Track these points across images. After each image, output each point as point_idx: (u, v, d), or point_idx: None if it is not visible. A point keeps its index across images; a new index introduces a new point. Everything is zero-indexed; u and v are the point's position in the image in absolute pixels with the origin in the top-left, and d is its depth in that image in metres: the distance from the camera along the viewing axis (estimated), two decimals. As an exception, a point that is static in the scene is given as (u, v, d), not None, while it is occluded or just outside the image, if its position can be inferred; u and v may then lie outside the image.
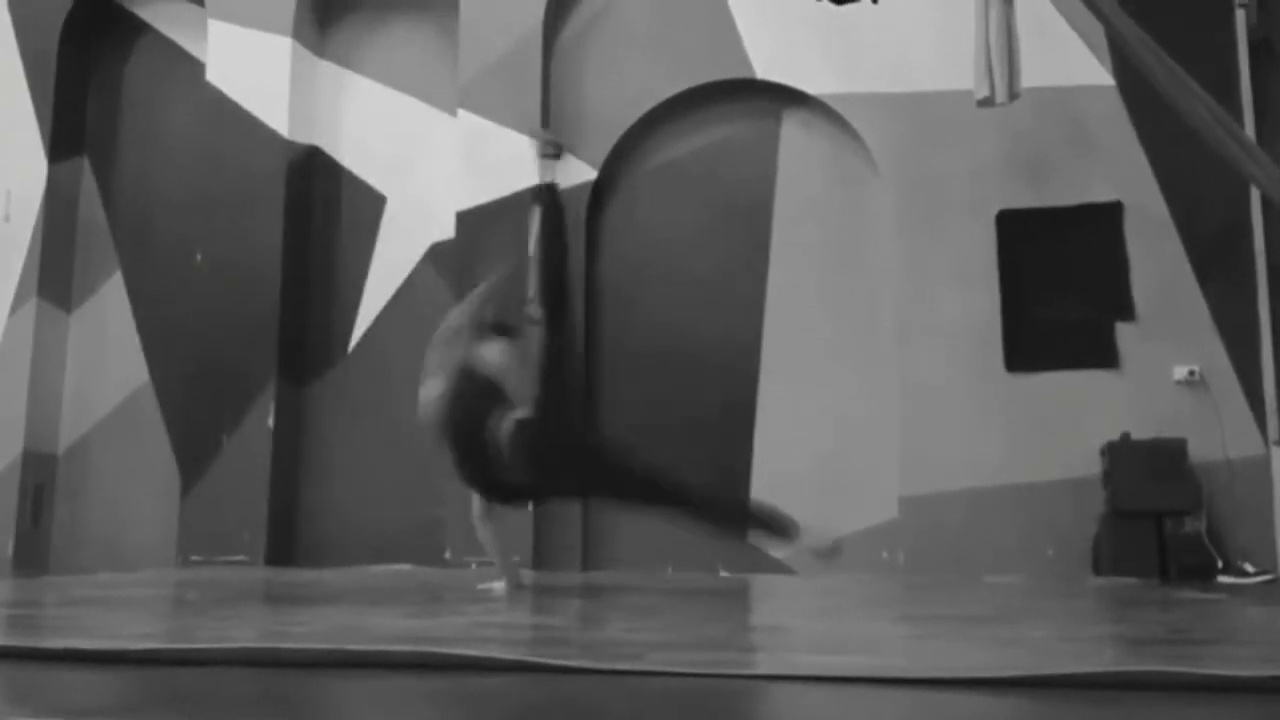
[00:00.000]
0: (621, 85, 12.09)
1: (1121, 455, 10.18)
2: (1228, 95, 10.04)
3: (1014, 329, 10.94)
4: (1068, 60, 11.04)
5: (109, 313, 13.19)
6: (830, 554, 8.06)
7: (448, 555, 11.32)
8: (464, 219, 11.98)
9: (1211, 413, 10.43)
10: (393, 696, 3.12)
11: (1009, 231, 11.05)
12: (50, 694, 3.14)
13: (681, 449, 11.35)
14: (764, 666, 3.65)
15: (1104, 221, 10.90)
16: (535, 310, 8.67)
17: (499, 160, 11.94)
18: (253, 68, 12.64)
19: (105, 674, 3.39)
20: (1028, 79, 10.08)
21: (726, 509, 8.71)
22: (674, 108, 12.02)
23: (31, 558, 12.56)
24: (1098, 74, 11.06)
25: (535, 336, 8.23)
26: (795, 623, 5.58)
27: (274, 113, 12.54)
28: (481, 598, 7.10)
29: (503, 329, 7.97)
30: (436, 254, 12.40)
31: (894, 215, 11.32)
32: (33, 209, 13.07)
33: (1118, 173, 10.91)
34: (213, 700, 3.09)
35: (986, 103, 10.07)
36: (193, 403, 12.32)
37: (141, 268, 13.20)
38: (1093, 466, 10.43)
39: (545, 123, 12.03)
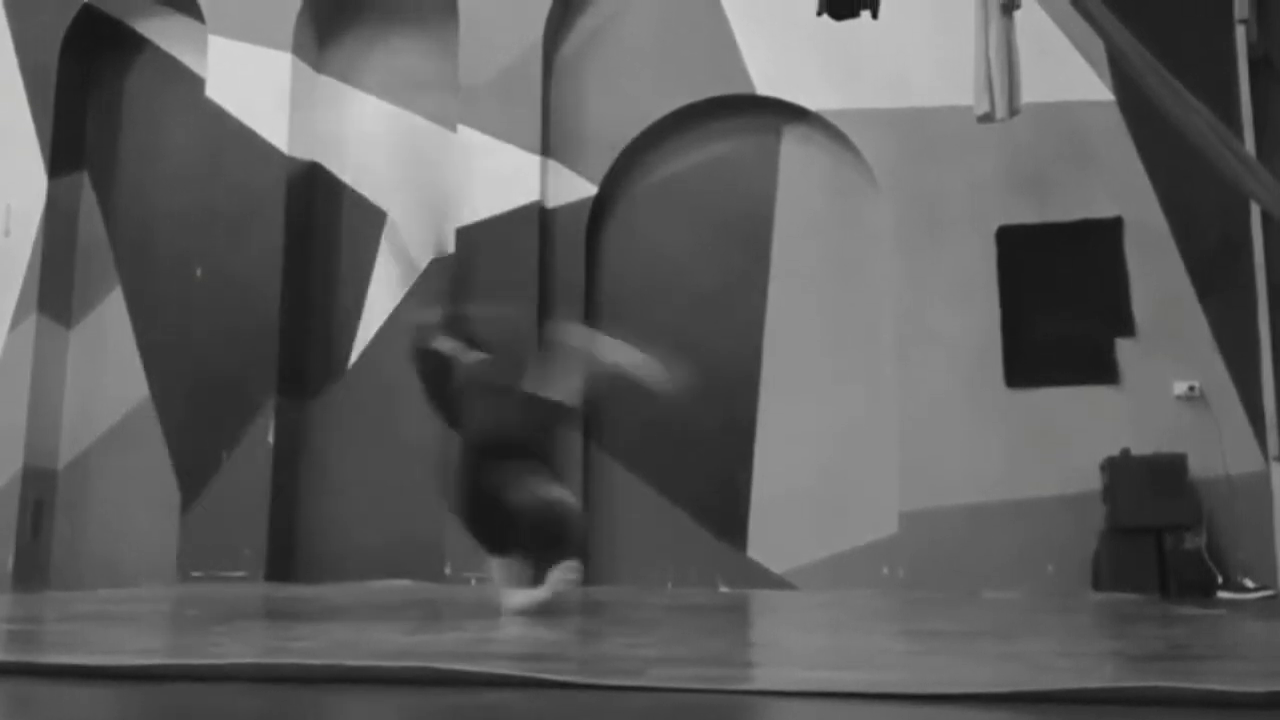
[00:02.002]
0: (622, 101, 12.11)
1: (1121, 471, 10.18)
2: (1227, 111, 10.05)
3: (1014, 344, 10.94)
4: (1068, 76, 11.05)
5: (109, 328, 13.19)
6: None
7: (448, 571, 11.32)
8: (464, 235, 11.98)
9: (1211, 428, 10.43)
10: (393, 712, 3.12)
11: (1009, 247, 11.06)
12: (51, 709, 3.15)
13: (682, 464, 11.37)
14: (764, 682, 3.65)
15: (1104, 237, 10.91)
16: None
17: (499, 176, 11.94)
18: (253, 83, 12.65)
19: (106, 689, 3.39)
20: (1028, 94, 10.09)
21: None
22: (674, 123, 12.03)
23: (31, 573, 12.55)
24: (1098, 89, 11.08)
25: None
26: (795, 638, 5.58)
27: (274, 128, 12.54)
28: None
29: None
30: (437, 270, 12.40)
31: (894, 230, 11.33)
32: (33, 224, 13.08)
33: (1118, 188, 10.92)
34: (213, 716, 3.09)
35: (986, 118, 10.08)
36: (193, 418, 12.32)
37: (142, 283, 13.20)
38: (1093, 482, 10.43)
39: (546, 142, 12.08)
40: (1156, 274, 10.78)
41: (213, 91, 12.76)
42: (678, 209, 12.03)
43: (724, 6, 11.99)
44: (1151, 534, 10.03)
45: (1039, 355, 10.92)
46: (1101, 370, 10.77)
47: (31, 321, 12.87)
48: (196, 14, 13.07)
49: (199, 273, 12.48)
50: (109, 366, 13.11)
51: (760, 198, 11.86)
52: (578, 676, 3.42)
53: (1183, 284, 10.72)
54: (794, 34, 11.42)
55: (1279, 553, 10.13)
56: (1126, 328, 10.79)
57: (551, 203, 12.03)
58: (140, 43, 13.70)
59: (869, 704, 3.16)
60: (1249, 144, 10.28)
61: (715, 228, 11.89)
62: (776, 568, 11.25)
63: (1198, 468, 10.19)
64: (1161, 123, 9.29)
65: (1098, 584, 10.24)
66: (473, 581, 10.62)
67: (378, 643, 4.67)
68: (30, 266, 13.01)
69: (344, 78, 13.09)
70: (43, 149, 13.21)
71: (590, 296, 11.93)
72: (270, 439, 11.99)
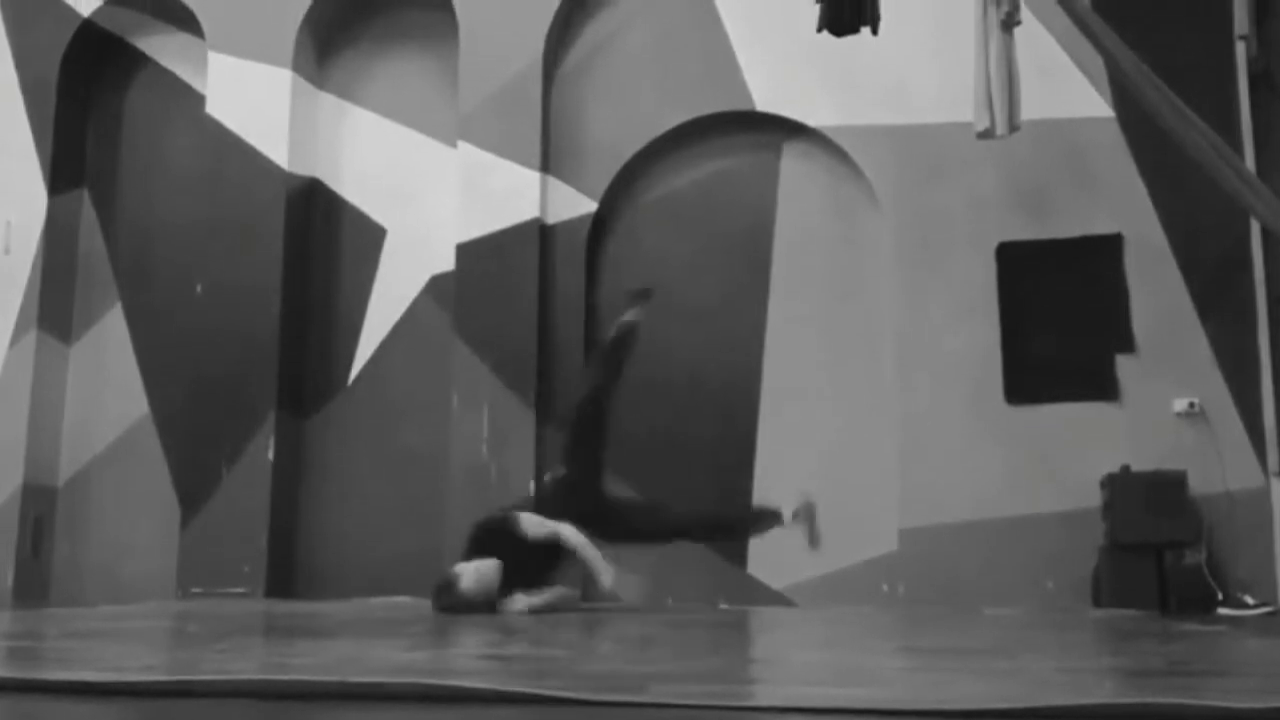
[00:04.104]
0: (621, 117, 12.12)
1: (1121, 487, 10.17)
2: (1227, 127, 10.07)
3: (1014, 361, 10.94)
4: (1068, 92, 11.06)
5: (109, 344, 13.20)
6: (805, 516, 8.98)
7: (448, 587, 11.31)
8: (464, 251, 11.99)
9: (1211, 445, 10.42)
10: (394, 728, 3.12)
11: (1009, 263, 11.06)
12: (51, 726, 3.15)
13: (682, 479, 11.35)
14: (765, 698, 3.65)
15: (1104, 253, 10.91)
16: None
17: (499, 192, 11.96)
18: (253, 100, 12.67)
19: (107, 705, 3.39)
20: (1027, 111, 10.10)
21: (724, 525, 10.62)
22: (674, 139, 12.04)
23: (32, 589, 12.55)
24: (1098, 106, 11.08)
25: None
26: (795, 654, 5.58)
27: (274, 145, 12.56)
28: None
29: None
30: (437, 286, 12.41)
31: (894, 247, 11.34)
32: (33, 241, 13.09)
33: (1118, 205, 10.92)
34: (213, 732, 3.09)
35: (986, 135, 10.09)
36: (193, 434, 12.34)
37: (141, 300, 13.21)
38: (1092, 498, 10.42)
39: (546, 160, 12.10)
40: (1156, 290, 10.78)
41: (213, 108, 12.79)
42: (678, 225, 12.04)
43: (724, 23, 12.01)
44: (1151, 550, 10.02)
45: (1039, 372, 10.92)
46: (1101, 387, 10.77)
47: (31, 338, 12.88)
48: (197, 30, 13.09)
49: (199, 289, 12.49)
50: (109, 383, 13.13)
51: (760, 214, 11.87)
52: (578, 693, 3.42)
53: (1183, 300, 10.72)
54: (794, 50, 11.43)
55: (1279, 569, 10.13)
56: (1126, 344, 10.79)
57: (551, 219, 12.05)
58: (140, 59, 13.72)
59: (869, 720, 3.16)
60: (1249, 160, 10.29)
61: (715, 244, 11.90)
62: (776, 584, 11.24)
63: (1198, 484, 10.18)
64: (1161, 139, 9.31)
65: (1097, 600, 10.24)
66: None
67: (378, 659, 4.67)
68: (30, 283, 13.02)
69: (344, 94, 13.11)
70: (43, 165, 13.23)
71: (590, 313, 11.94)
72: (270, 455, 12.00)
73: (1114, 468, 10.31)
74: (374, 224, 12.78)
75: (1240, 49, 10.83)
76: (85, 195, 13.61)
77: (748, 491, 11.48)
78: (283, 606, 10.16)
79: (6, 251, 13.12)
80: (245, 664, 4.38)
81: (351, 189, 12.89)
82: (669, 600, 11.15)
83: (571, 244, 12.01)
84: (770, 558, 11.28)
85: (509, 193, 11.97)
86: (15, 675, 3.76)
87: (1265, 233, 10.09)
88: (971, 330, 11.03)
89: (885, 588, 10.99)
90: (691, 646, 5.78)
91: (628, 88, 12.21)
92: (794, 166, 11.90)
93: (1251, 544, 10.21)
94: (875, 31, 10.18)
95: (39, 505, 12.78)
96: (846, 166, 11.62)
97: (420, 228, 12.58)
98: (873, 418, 11.30)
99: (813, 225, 11.75)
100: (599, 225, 12.10)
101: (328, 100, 13.13)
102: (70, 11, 13.40)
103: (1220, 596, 9.96)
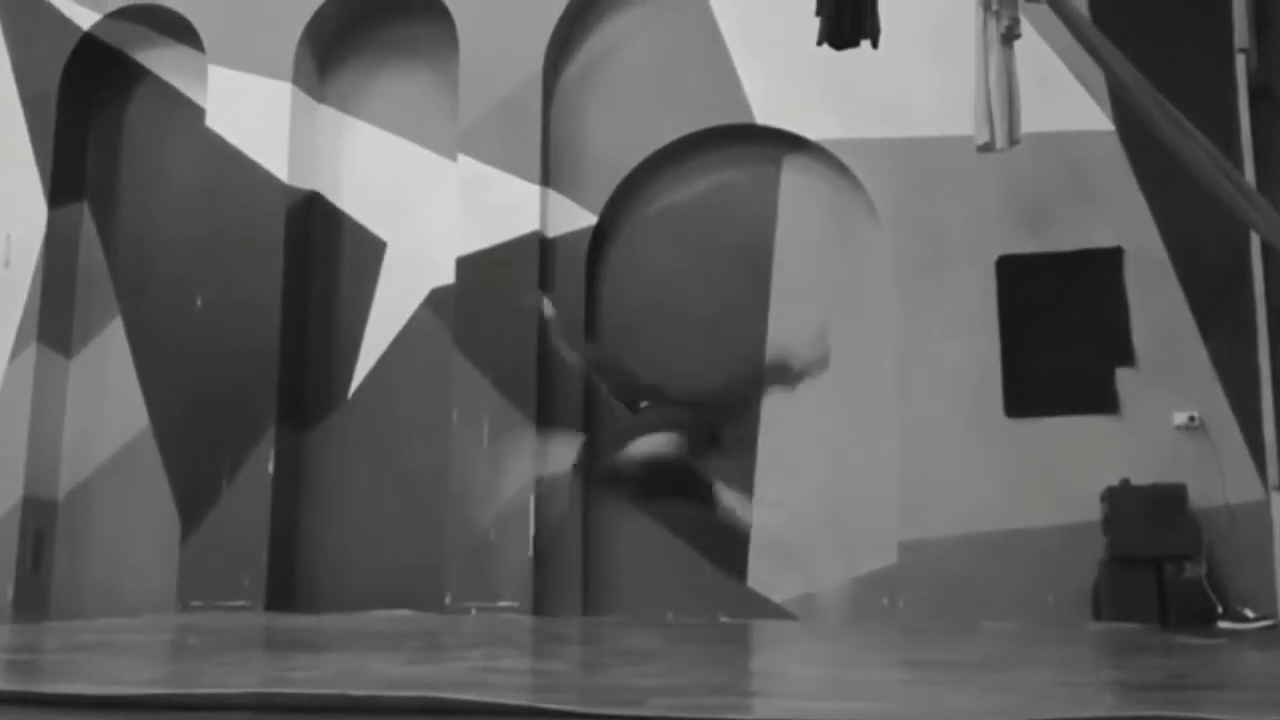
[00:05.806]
0: (621, 130, 12.11)
1: (1121, 501, 10.17)
2: (1228, 141, 10.06)
3: (1014, 374, 10.93)
4: (1068, 106, 11.05)
5: (109, 358, 13.19)
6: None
7: (448, 601, 11.30)
8: (464, 264, 11.98)
9: (1211, 458, 10.41)
10: (393, 742, 3.11)
11: (1009, 277, 11.05)
12: (51, 739, 3.14)
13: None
14: (765, 712, 3.65)
15: (1104, 267, 10.90)
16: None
17: (499, 205, 11.95)
18: (253, 113, 12.66)
19: (106, 718, 3.38)
20: (1028, 124, 10.08)
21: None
22: (674, 153, 12.03)
23: (32, 603, 12.53)
24: (1098, 119, 11.07)
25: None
26: (795, 669, 5.58)
27: (274, 158, 12.55)
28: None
29: None
30: (436, 299, 12.39)
31: (894, 260, 11.32)
32: (33, 254, 13.08)
33: (1118, 218, 10.91)
34: (213, 745, 3.08)
35: (986, 148, 10.07)
36: (193, 448, 12.32)
37: (141, 313, 13.20)
38: (1092, 512, 10.41)
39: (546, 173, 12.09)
40: (1156, 304, 10.77)
41: (213, 121, 12.78)
42: (678, 238, 12.02)
43: (724, 36, 12.00)
44: (1151, 564, 10.02)
45: (1039, 385, 10.90)
46: (1101, 400, 10.76)
47: (31, 351, 12.87)
48: (197, 44, 13.09)
49: (199, 302, 12.48)
50: (109, 396, 13.11)
51: (760, 226, 11.86)
52: (580, 706, 3.42)
53: (1183, 314, 10.71)
54: (794, 64, 11.42)
55: (1279, 582, 10.12)
56: (1126, 358, 10.78)
57: (551, 232, 12.04)
58: (140, 72, 13.72)
59: (869, 734, 3.16)
60: (1249, 173, 10.28)
61: (715, 256, 11.88)
62: (776, 597, 11.23)
63: (1198, 497, 10.17)
64: (1161, 152, 9.30)
65: (1098, 614, 10.23)
66: (473, 611, 10.61)
67: (378, 672, 4.67)
68: (30, 296, 13.01)
69: (344, 107, 13.11)
70: (43, 178, 13.22)
71: (591, 326, 11.92)
72: (270, 468, 11.99)
73: (1114, 481, 10.30)
74: (374, 237, 12.77)
75: (1240, 62, 10.83)
76: (85, 208, 13.61)
77: (748, 505, 11.48)
78: (283, 620, 10.15)
79: (6, 265, 13.12)
80: (245, 677, 4.38)
81: (351, 202, 12.89)
82: (669, 614, 11.14)
83: (572, 257, 12.00)
84: (771, 571, 11.27)
85: (509, 206, 11.96)
86: (15, 688, 3.76)
87: (1265, 246, 10.08)
88: (971, 343, 11.02)
89: (885, 601, 10.97)
90: (691, 660, 5.78)
91: (628, 101, 12.21)
92: (794, 179, 11.89)
93: (1251, 557, 10.20)
94: (875, 45, 10.16)
95: (39, 518, 12.77)
96: (846, 179, 11.61)
97: (420, 241, 12.57)
98: (873, 430, 11.28)
99: (813, 238, 11.74)
100: (599, 238, 12.09)
101: (328, 113, 13.12)
102: (71, 25, 13.39)
103: (1220, 610, 9.95)
